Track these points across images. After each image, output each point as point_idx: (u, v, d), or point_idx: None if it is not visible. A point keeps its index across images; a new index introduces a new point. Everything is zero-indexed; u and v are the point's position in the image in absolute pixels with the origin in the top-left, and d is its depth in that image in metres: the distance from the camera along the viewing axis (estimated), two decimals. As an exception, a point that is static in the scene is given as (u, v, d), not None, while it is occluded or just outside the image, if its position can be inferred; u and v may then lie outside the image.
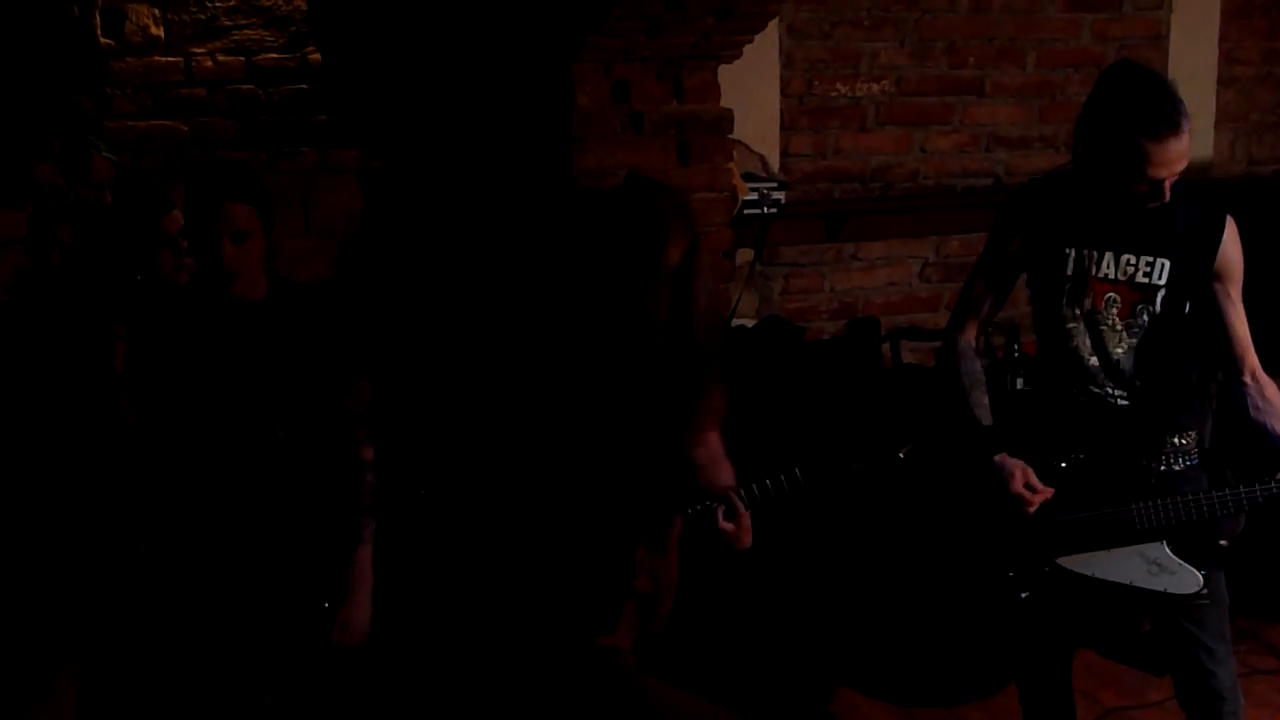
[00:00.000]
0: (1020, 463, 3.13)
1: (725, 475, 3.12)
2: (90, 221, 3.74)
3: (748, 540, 3.05)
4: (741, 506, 3.02)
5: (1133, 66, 3.02)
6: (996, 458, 3.15)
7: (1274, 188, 5.85)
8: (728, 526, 3.00)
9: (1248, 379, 3.12)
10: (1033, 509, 3.12)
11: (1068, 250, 3.12)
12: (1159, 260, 3.06)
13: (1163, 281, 3.07)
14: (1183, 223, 3.04)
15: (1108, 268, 3.10)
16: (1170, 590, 3.10)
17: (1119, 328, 3.11)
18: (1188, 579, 3.09)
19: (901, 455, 3.14)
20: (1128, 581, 3.12)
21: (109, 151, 3.83)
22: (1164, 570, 3.09)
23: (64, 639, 1.87)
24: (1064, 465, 3.16)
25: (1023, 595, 3.22)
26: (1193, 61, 5.76)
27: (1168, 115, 2.86)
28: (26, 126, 3.95)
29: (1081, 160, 3.05)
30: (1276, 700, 4.21)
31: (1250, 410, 3.12)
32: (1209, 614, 3.14)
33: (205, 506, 3.17)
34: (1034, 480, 3.12)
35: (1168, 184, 2.93)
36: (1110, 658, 4.52)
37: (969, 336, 3.31)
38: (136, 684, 1.91)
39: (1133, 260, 3.08)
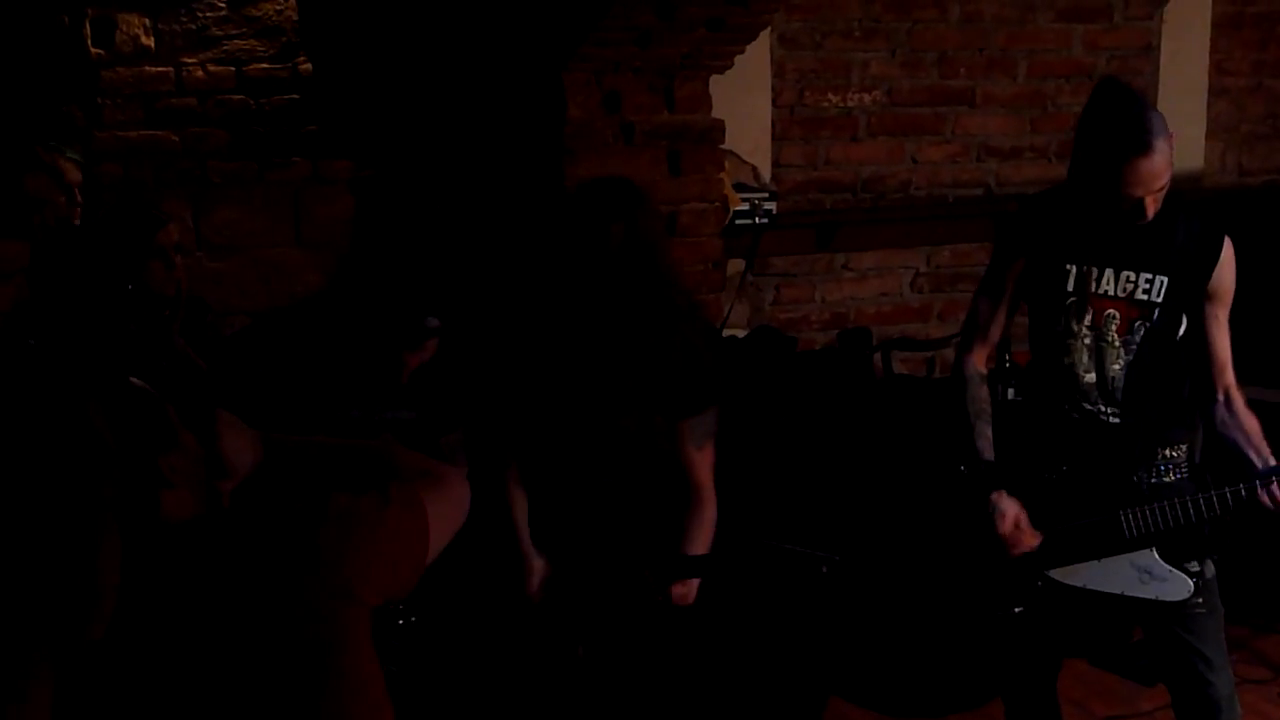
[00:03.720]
0: (1016, 504, 3.13)
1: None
2: (75, 230, 3.71)
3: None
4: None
5: (1112, 87, 3.02)
6: (993, 495, 3.15)
7: (1265, 198, 5.86)
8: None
9: (1220, 396, 3.13)
10: (1017, 553, 3.12)
11: (1069, 267, 3.11)
12: (1158, 277, 3.06)
13: (1160, 299, 3.07)
14: (1182, 240, 3.04)
15: (1108, 284, 3.09)
16: (1161, 597, 3.10)
17: (1117, 344, 3.11)
18: (1179, 585, 3.09)
19: (824, 570, 3.14)
20: (1119, 591, 3.12)
21: (73, 154, 3.79)
22: (1154, 578, 3.09)
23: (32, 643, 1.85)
24: (1054, 477, 3.16)
25: (1015, 609, 3.22)
26: (1183, 72, 5.77)
27: (1137, 137, 2.87)
28: (16, 139, 3.92)
29: (1072, 177, 3.06)
30: (1267, 710, 4.21)
31: (1217, 424, 3.13)
32: (1206, 623, 3.14)
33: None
34: (1025, 524, 3.12)
35: (1149, 202, 2.94)
36: (1101, 667, 4.51)
37: (977, 361, 3.28)
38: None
39: (1132, 277, 3.08)
